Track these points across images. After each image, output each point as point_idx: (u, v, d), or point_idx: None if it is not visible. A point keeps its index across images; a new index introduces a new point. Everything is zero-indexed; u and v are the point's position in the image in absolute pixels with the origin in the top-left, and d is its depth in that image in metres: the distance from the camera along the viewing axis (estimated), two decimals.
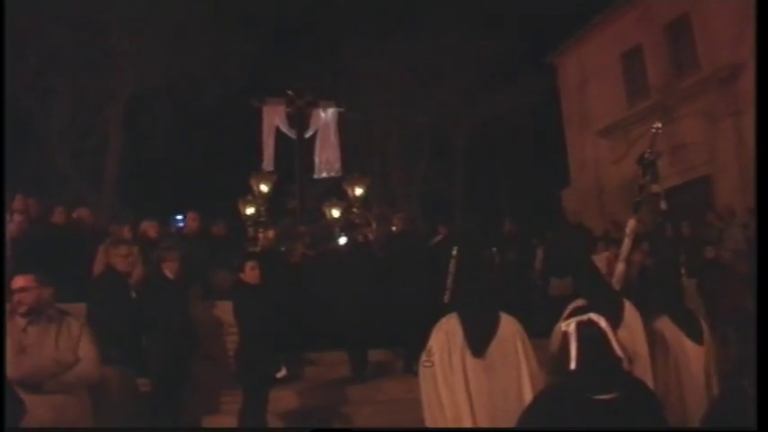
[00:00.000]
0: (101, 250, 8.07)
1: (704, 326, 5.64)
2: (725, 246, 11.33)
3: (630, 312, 5.26)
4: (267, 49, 21.61)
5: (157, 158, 21.34)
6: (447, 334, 4.71)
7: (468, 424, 4.49)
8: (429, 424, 4.71)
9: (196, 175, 21.97)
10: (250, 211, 11.76)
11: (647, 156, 7.75)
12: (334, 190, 13.84)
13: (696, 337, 5.48)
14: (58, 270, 7.04)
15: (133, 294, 7.21)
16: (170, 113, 20.80)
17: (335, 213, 12.78)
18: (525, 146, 24.52)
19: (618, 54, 19.62)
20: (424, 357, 4.78)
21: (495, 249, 10.64)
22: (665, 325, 5.53)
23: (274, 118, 14.15)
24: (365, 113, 23.10)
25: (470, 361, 4.59)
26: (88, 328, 5.38)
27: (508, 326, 4.76)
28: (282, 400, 8.40)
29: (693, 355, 5.41)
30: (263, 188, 12.33)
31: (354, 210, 12.71)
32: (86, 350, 5.13)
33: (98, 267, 7.96)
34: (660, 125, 8.30)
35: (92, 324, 6.83)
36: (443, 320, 4.86)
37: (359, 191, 13.05)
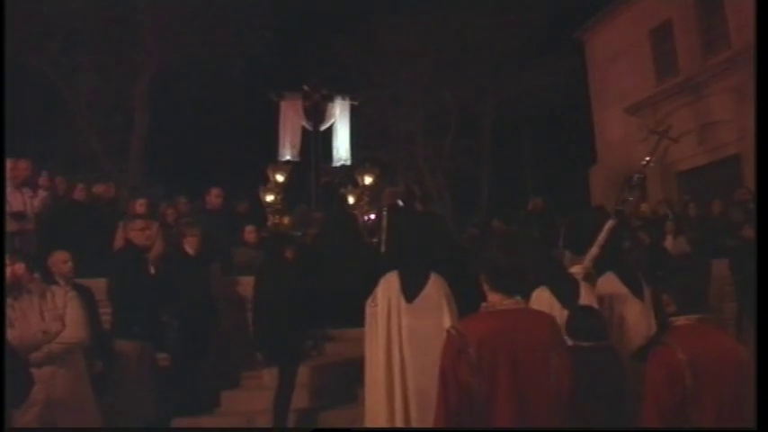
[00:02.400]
0: (121, 226, 8.15)
1: (644, 284, 6.54)
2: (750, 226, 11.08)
3: (587, 293, 6.24)
4: (294, 24, 21.53)
5: (183, 134, 21.44)
6: (389, 284, 6.24)
7: (395, 352, 5.97)
8: (367, 351, 6.28)
9: (221, 151, 22.04)
10: (270, 198, 12.19)
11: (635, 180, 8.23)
12: (351, 178, 14.40)
13: (638, 293, 6.43)
14: (80, 245, 7.18)
15: (152, 270, 7.27)
16: (196, 90, 20.85)
17: (351, 200, 13.37)
18: (552, 123, 24.30)
19: (647, 30, 19.28)
20: (370, 301, 6.38)
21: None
22: (609, 281, 6.55)
23: (292, 111, 14.79)
24: (393, 89, 23.08)
25: (404, 305, 6.09)
26: (74, 293, 5.44)
27: (435, 282, 6.22)
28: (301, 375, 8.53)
29: (633, 308, 6.39)
30: (279, 178, 12.79)
31: (365, 198, 13.30)
32: (72, 316, 5.19)
33: (118, 243, 8.04)
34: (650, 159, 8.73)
35: (112, 298, 6.95)
36: (387, 275, 6.35)
37: (368, 179, 13.67)
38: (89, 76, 19.24)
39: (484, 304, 3.40)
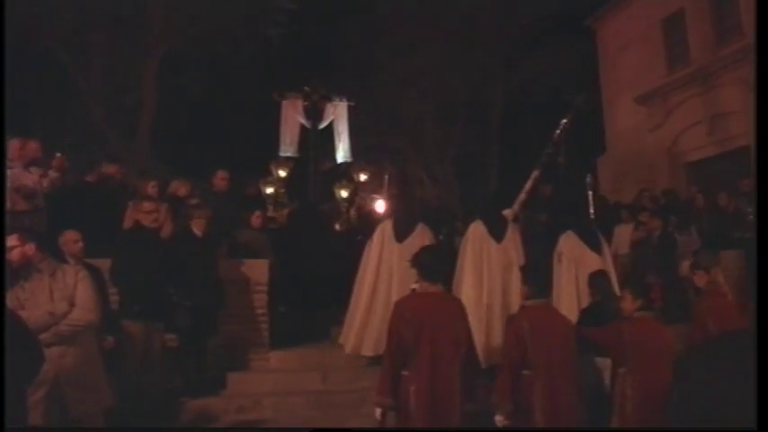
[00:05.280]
0: (130, 206, 8.17)
1: (602, 239, 8.26)
2: None
3: (513, 233, 8.12)
4: (305, 7, 21.38)
5: (192, 116, 21.43)
6: (383, 229, 8.22)
7: (384, 278, 7.90)
8: (359, 275, 8.18)
9: (230, 134, 22.02)
10: (269, 190, 12.70)
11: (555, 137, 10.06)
12: (346, 174, 16.18)
13: (596, 248, 8.02)
14: (89, 225, 7.20)
15: (160, 250, 7.29)
16: (206, 71, 20.82)
17: (344, 194, 14.84)
18: (562, 111, 24.12)
19: (659, 19, 19.13)
20: (368, 243, 8.29)
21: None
22: (568, 239, 8.10)
23: (292, 110, 15.94)
24: (402, 74, 22.99)
25: (395, 245, 7.97)
26: (84, 273, 5.44)
27: (421, 229, 8.10)
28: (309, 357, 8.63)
29: (592, 262, 7.73)
30: (282, 173, 14.19)
31: (360, 194, 15.35)
32: (81, 296, 5.21)
33: (127, 223, 8.07)
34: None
35: (115, 278, 6.98)
36: (383, 223, 8.45)
37: (363, 177, 15.75)
38: (99, 57, 19.20)
39: (415, 286, 5.36)
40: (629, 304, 5.64)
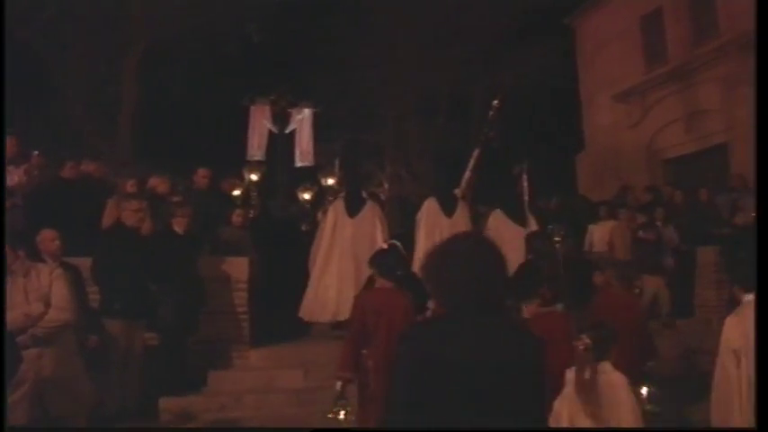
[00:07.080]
0: (110, 204, 8.11)
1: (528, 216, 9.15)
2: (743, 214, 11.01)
3: (462, 209, 9.16)
4: (285, 2, 21.26)
5: (172, 113, 21.23)
6: (335, 206, 9.22)
7: (336, 251, 8.80)
8: (313, 252, 8.99)
9: (210, 131, 21.86)
10: (236, 192, 13.05)
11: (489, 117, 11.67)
12: (310, 177, 16.97)
13: (522, 223, 8.93)
14: (68, 224, 7.13)
15: (141, 248, 7.25)
16: (189, 66, 20.66)
17: (307, 196, 15.67)
18: (541, 108, 24.22)
19: (637, 17, 19.23)
20: (322, 219, 9.45)
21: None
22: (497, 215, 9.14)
23: (260, 116, 16.83)
24: (382, 70, 22.93)
25: (347, 219, 8.91)
26: (60, 271, 5.39)
27: (370, 206, 9.19)
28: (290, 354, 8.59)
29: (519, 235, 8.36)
30: (253, 177, 14.47)
31: (329, 198, 15.35)
32: (57, 295, 5.15)
33: (107, 221, 8.00)
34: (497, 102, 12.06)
35: (96, 276, 6.93)
36: (335, 201, 9.61)
37: (330, 181, 16.43)
38: (78, 52, 18.96)
39: (377, 283, 6.12)
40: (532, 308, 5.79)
